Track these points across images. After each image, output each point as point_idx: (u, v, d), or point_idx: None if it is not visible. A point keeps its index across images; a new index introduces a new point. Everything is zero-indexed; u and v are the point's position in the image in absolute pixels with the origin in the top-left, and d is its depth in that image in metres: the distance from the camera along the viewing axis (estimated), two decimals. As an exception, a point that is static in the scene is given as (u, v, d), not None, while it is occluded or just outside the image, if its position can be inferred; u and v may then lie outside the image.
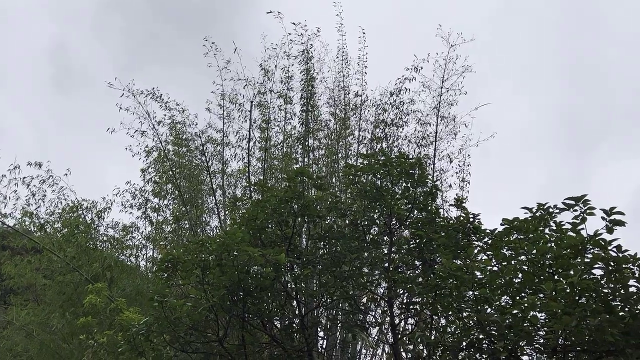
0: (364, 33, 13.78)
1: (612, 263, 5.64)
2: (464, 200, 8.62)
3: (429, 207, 8.37)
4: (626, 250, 5.71)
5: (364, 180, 8.65)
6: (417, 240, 8.11)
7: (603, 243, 5.82)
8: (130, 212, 14.40)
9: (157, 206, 14.40)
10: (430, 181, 8.52)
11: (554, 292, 5.59)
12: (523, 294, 6.09)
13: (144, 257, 14.67)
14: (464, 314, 6.61)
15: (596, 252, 5.82)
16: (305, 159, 13.44)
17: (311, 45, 13.86)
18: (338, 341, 10.62)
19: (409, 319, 9.22)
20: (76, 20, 32.53)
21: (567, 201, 6.24)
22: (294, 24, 13.64)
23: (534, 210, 6.78)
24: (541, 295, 5.84)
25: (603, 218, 5.97)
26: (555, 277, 5.95)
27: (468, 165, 13.22)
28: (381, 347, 11.20)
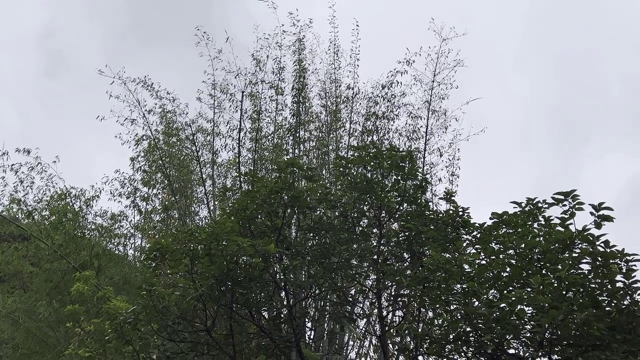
0: (357, 25, 13.77)
1: (599, 258, 5.68)
2: (454, 194, 8.66)
3: (419, 200, 8.39)
4: (614, 246, 5.75)
5: (355, 173, 8.65)
6: (407, 233, 8.13)
7: (591, 238, 5.85)
8: (119, 201, 14.37)
9: (146, 195, 14.36)
10: (420, 174, 8.53)
11: (541, 286, 5.61)
12: (511, 288, 6.13)
13: (132, 246, 14.65)
14: (452, 307, 6.64)
15: (584, 247, 5.85)
16: (296, 151, 13.43)
17: (304, 36, 13.85)
18: (326, 332, 10.64)
19: (397, 311, 9.25)
20: (67, 4, 32.24)
21: (556, 196, 6.27)
22: (291, 13, 13.62)
23: (523, 204, 6.81)
24: (529, 289, 5.87)
25: (592, 213, 6.00)
26: (543, 271, 5.99)
27: (458, 160, 13.26)
28: (368, 339, 11.25)
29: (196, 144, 13.74)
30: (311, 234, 8.51)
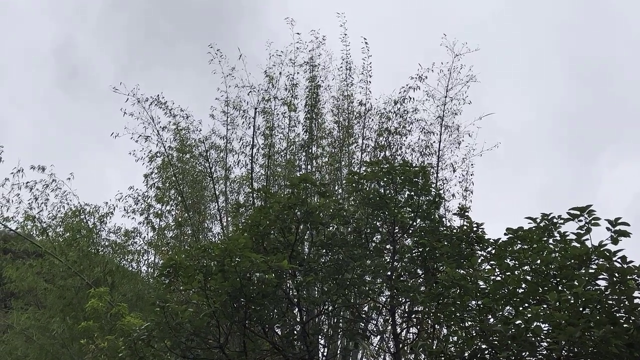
0: (366, 43, 13.81)
1: (616, 274, 5.60)
2: (467, 210, 8.61)
3: (433, 216, 8.35)
4: (631, 262, 5.67)
5: (368, 188, 8.64)
6: (420, 249, 8.09)
7: (608, 254, 5.78)
8: (133, 218, 14.41)
9: (159, 212, 14.40)
10: (433, 190, 8.50)
11: (557, 303, 5.55)
12: (527, 304, 6.05)
13: (146, 262, 14.67)
14: (467, 324, 6.57)
15: (601, 262, 5.78)
16: (309, 166, 13.44)
17: (320, 54, 13.93)
18: (339, 349, 10.57)
19: (411, 327, 9.18)
20: (81, 20, 32.63)
21: (572, 211, 6.21)
22: (299, 34, 13.70)
23: (538, 220, 6.76)
24: (545, 305, 5.80)
25: (608, 229, 5.93)
26: (560, 287, 5.92)
27: (471, 175, 13.21)
28: (382, 356, 11.15)
29: (209, 160, 13.80)
30: (324, 250, 8.49)
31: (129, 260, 14.27)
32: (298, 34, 13.75)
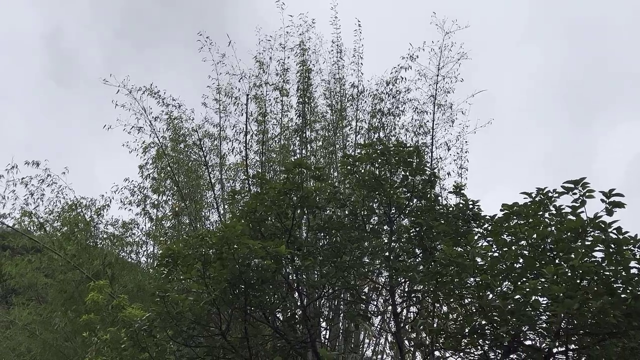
0: (359, 25, 13.74)
1: (612, 245, 5.64)
2: (463, 187, 8.63)
3: (428, 195, 8.37)
4: (626, 232, 5.72)
5: (363, 170, 8.64)
6: (417, 229, 8.11)
7: (603, 225, 5.82)
8: (130, 209, 14.41)
9: (156, 202, 14.40)
10: (428, 169, 8.51)
11: (555, 276, 5.58)
12: (524, 279, 6.09)
13: (145, 253, 14.69)
14: (466, 301, 6.62)
15: (596, 234, 5.82)
16: (303, 151, 13.42)
17: (309, 38, 13.86)
18: (341, 331, 10.64)
19: (411, 307, 9.23)
20: (71, 5, 32.27)
21: (566, 184, 6.24)
22: (291, 16, 13.62)
23: (533, 195, 6.78)
24: (542, 279, 5.84)
25: (603, 200, 5.97)
26: (556, 261, 5.95)
27: (466, 152, 13.22)
28: (384, 336, 11.23)
29: (203, 149, 13.77)
30: (322, 234, 8.51)
31: (127, 251, 14.30)
32: (290, 15, 13.66)
